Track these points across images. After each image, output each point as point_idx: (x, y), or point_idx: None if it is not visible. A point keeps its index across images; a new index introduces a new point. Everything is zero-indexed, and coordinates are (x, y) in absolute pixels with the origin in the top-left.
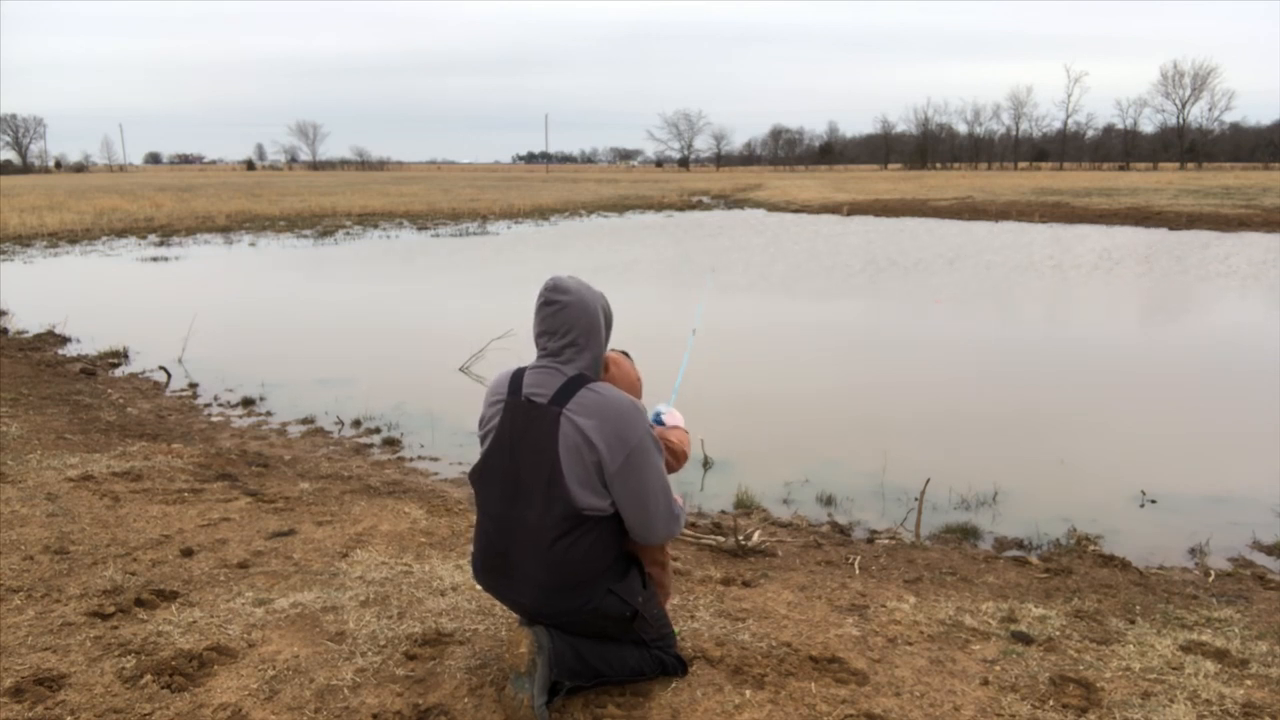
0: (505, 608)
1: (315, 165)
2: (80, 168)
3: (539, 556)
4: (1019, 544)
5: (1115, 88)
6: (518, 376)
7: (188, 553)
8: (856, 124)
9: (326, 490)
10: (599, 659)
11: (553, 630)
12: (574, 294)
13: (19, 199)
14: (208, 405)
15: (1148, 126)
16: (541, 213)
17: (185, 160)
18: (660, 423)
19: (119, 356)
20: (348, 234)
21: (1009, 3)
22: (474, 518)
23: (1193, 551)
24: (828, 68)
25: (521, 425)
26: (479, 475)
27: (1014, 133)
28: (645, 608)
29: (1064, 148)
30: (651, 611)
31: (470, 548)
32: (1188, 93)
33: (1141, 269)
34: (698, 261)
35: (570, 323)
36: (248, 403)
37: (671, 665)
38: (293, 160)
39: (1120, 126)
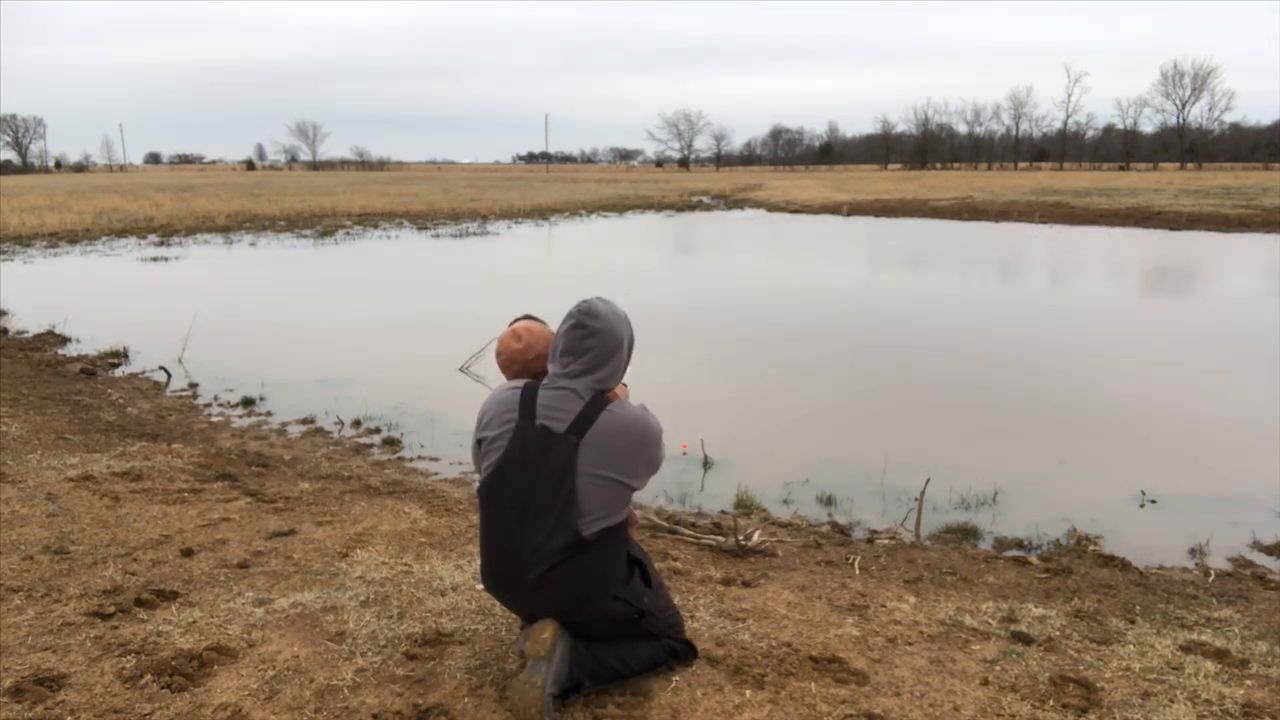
0: (506, 608)
1: (315, 165)
2: (80, 168)
3: (545, 576)
4: (1019, 544)
5: (1115, 88)
6: (529, 395)
7: (188, 553)
8: (856, 124)
9: (326, 490)
10: (615, 659)
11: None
12: (604, 320)
13: (19, 199)
14: (208, 405)
15: (1148, 127)
16: (541, 213)
17: (185, 160)
18: None
19: (119, 356)
20: (348, 234)
21: (1010, 3)
22: (474, 518)
23: (1193, 551)
24: (828, 68)
25: (536, 453)
26: (486, 494)
27: (1014, 133)
28: (651, 605)
29: (1064, 148)
30: (658, 605)
31: (471, 548)
32: (1188, 93)
33: (1140, 268)
34: (696, 255)
35: (596, 348)
36: (248, 403)
37: (683, 651)
38: (293, 160)
39: (1120, 127)
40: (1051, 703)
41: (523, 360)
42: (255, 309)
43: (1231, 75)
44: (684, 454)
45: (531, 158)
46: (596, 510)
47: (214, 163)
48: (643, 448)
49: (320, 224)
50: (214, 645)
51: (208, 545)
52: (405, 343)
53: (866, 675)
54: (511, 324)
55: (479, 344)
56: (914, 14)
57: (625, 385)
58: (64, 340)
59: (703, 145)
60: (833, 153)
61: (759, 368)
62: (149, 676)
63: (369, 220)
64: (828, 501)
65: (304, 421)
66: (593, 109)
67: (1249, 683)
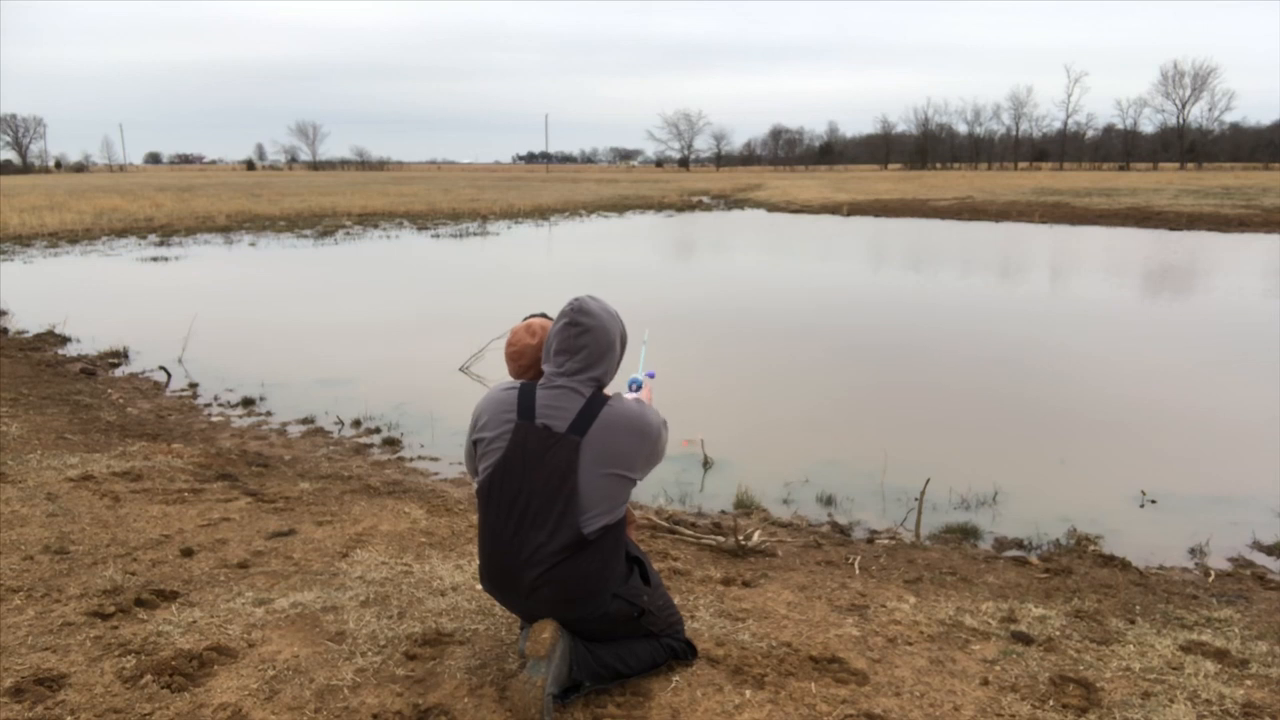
0: (505, 608)
1: (315, 165)
2: (80, 168)
3: (545, 576)
4: (1019, 544)
5: (1115, 88)
6: (528, 395)
7: (188, 553)
8: (856, 124)
9: (326, 490)
10: (615, 659)
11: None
12: (596, 318)
13: (19, 199)
14: (208, 405)
15: (1148, 127)
16: (541, 213)
17: (185, 160)
18: (639, 385)
19: (119, 356)
20: (348, 234)
21: (1010, 3)
22: (474, 518)
23: (1193, 551)
24: (828, 68)
25: (536, 452)
26: (485, 493)
27: (1014, 133)
28: (650, 603)
29: (1064, 148)
30: (657, 604)
31: (471, 548)
32: (1188, 93)
33: (1141, 268)
34: (696, 254)
35: (589, 346)
36: (248, 403)
37: (682, 651)
38: (293, 160)
39: (1120, 126)
40: (1051, 703)
41: (533, 356)
42: (255, 309)
43: (1231, 75)
44: (685, 448)
45: (531, 158)
46: (597, 507)
47: (214, 163)
48: (644, 441)
49: (320, 224)
50: (214, 645)
51: (208, 545)
52: (405, 343)
53: (866, 675)
54: (526, 319)
55: (479, 344)
56: (914, 14)
57: (649, 386)
58: (64, 340)
59: (703, 145)
60: (833, 153)
61: (759, 367)
62: (149, 676)
63: (369, 220)
64: (828, 501)
65: (304, 421)
66: (593, 109)
67: (1249, 683)
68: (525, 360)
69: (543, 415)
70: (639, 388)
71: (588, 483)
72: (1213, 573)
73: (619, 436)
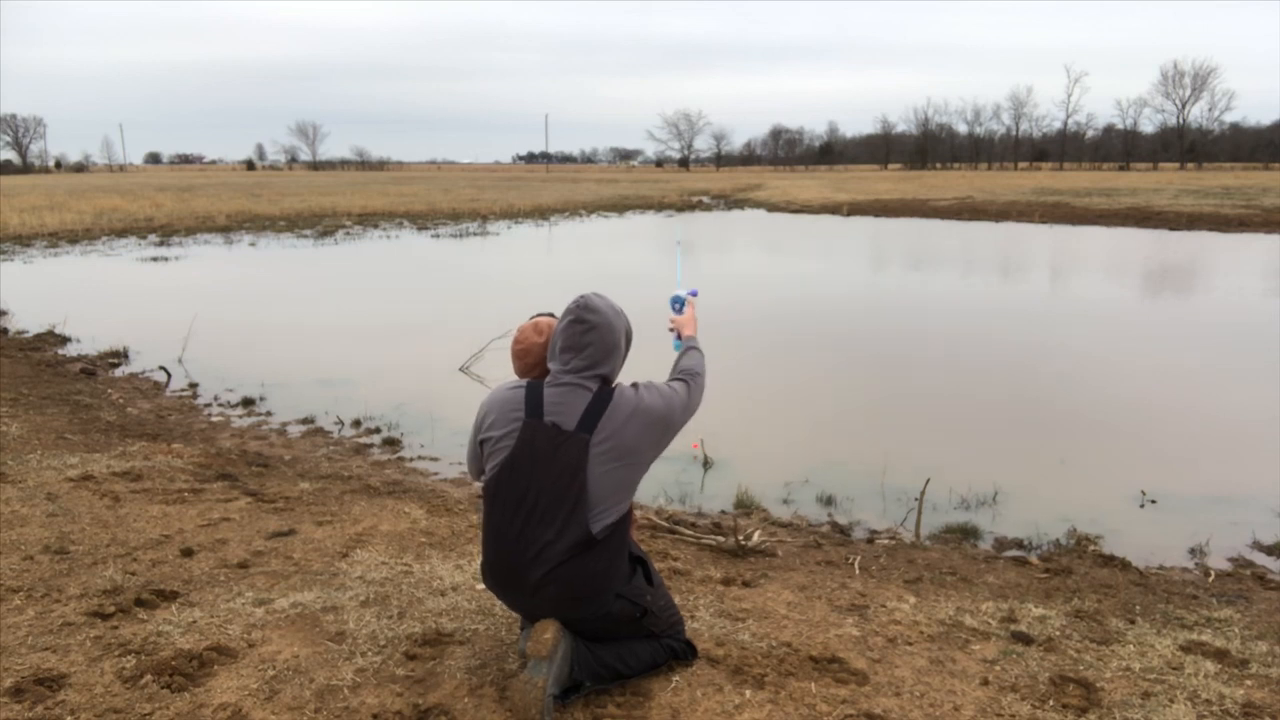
0: (505, 608)
1: (315, 165)
2: (80, 168)
3: (552, 574)
4: (1019, 544)
5: (1115, 88)
6: (535, 393)
7: (188, 553)
8: (856, 124)
9: (326, 490)
10: (616, 659)
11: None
12: (602, 315)
13: (19, 199)
14: (208, 405)
15: (1148, 127)
16: (541, 213)
17: (185, 160)
18: (682, 302)
19: (119, 356)
20: (348, 234)
21: (1010, 3)
22: (474, 518)
23: (1193, 551)
24: (828, 68)
25: (545, 450)
26: (491, 491)
27: (1014, 133)
28: (652, 603)
29: (1064, 148)
30: (659, 604)
31: (471, 548)
32: (1188, 93)
33: (1141, 268)
34: (695, 254)
35: (595, 342)
36: (248, 403)
37: (683, 651)
38: (293, 160)
39: (1120, 127)
40: (1051, 703)
41: (540, 354)
42: (255, 309)
43: (1231, 75)
44: (695, 452)
45: (531, 158)
46: (605, 503)
47: (214, 163)
48: (651, 429)
49: (320, 224)
50: (214, 645)
51: (208, 545)
52: (405, 343)
53: (866, 675)
54: (533, 318)
55: (479, 344)
56: (914, 14)
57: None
58: (64, 340)
59: (703, 145)
60: (833, 153)
61: (759, 368)
62: (149, 676)
63: (369, 220)
64: (828, 501)
65: (304, 421)
66: (593, 109)
67: (1249, 683)
68: (531, 358)
69: (550, 413)
70: (682, 307)
71: (596, 479)
72: (1213, 573)
73: (627, 428)
